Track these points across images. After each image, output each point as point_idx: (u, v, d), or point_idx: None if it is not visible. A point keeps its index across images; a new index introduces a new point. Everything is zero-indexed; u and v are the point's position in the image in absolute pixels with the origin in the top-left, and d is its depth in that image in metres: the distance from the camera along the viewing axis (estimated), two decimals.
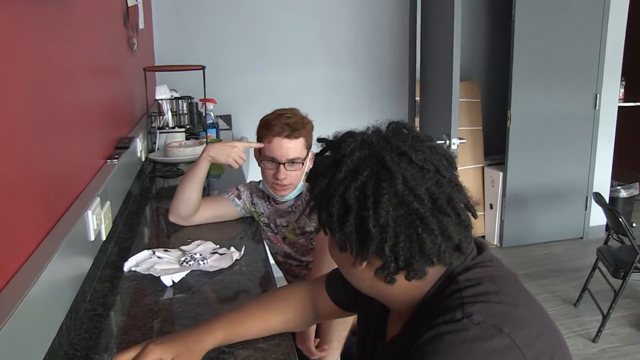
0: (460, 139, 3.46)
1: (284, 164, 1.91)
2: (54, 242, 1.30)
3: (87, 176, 1.80)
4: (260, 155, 1.97)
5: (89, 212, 1.55)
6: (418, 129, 3.11)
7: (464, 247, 0.94)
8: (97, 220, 1.62)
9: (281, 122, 1.88)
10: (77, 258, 1.46)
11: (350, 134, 0.98)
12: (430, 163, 0.92)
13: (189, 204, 2.02)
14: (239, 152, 2.03)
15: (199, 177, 2.00)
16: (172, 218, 2.07)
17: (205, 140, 2.89)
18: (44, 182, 1.36)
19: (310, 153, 1.96)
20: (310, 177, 1.00)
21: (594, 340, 3.41)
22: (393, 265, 0.91)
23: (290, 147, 1.89)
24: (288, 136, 1.88)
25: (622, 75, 4.89)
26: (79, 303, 1.42)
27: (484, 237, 5.01)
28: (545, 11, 4.45)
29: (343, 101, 4.42)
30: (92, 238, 1.58)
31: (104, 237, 1.73)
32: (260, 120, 1.96)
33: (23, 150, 1.21)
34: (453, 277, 0.96)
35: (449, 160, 0.97)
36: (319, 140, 1.04)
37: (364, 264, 0.94)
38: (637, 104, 5.53)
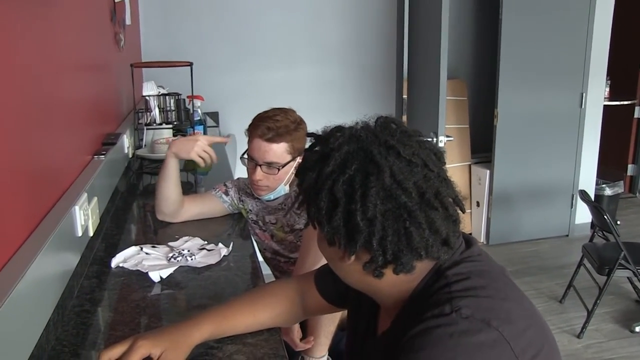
0: (447, 136, 3.49)
1: (260, 165, 1.91)
2: (41, 237, 1.29)
3: (74, 172, 1.79)
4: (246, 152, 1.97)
5: (76, 208, 1.54)
6: None
7: (451, 242, 0.95)
8: (85, 216, 1.61)
9: (265, 125, 1.86)
10: (64, 254, 1.45)
11: (338, 129, 0.98)
12: (419, 157, 0.92)
13: (170, 202, 2.02)
14: (201, 145, 2.00)
15: (170, 175, 1.99)
16: (159, 216, 2.07)
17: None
18: (30, 178, 1.35)
19: (298, 159, 1.92)
20: (299, 171, 1.00)
21: (578, 336, 3.44)
22: (381, 259, 0.92)
23: (268, 151, 1.88)
24: (268, 139, 1.87)
25: (607, 74, 4.93)
26: (66, 299, 1.41)
27: (470, 234, 5.00)
28: (532, 11, 4.48)
29: (330, 99, 4.42)
30: (80, 234, 1.57)
31: (91, 233, 1.72)
32: (254, 117, 1.96)
33: (8, 146, 1.20)
34: (441, 272, 0.96)
35: (437, 154, 0.97)
36: (308, 135, 1.04)
37: (352, 257, 0.95)
38: (622, 102, 5.58)
